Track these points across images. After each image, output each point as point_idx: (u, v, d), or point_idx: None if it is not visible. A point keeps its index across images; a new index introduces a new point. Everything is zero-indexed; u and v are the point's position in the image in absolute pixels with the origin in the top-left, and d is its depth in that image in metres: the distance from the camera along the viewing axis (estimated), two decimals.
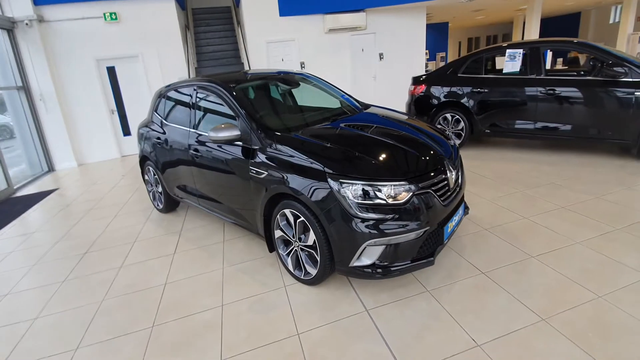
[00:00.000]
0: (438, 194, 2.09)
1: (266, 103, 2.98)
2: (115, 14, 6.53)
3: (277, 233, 2.42)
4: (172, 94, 3.45)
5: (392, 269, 2.01)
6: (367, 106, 3.18)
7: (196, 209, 3.81)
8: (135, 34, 6.80)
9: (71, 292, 2.69)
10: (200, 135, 2.95)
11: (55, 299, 2.63)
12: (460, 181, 2.38)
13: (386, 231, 1.92)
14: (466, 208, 2.62)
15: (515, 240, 2.67)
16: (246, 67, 7.73)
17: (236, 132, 2.40)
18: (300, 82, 3.27)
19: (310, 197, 2.03)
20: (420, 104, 5.33)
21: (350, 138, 2.42)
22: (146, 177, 4.11)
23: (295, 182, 2.11)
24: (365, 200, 1.93)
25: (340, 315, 2.09)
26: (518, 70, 4.43)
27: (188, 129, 3.10)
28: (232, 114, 2.64)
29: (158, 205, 4.05)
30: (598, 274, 2.20)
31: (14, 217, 4.58)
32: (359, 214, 1.92)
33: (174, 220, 3.83)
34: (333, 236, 2.01)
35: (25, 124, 6.57)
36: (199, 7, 9.32)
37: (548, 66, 11.10)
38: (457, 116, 4.94)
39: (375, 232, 1.91)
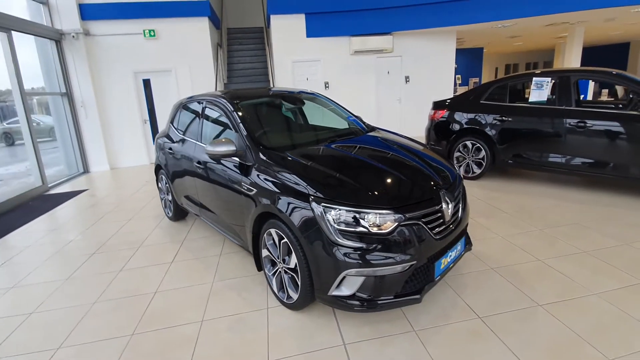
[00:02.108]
0: (430, 226, 1.96)
1: (268, 121, 3.00)
2: (154, 31, 7.03)
3: (264, 252, 2.38)
4: (186, 106, 3.59)
5: (373, 303, 1.88)
6: (373, 129, 3.11)
7: (202, 220, 3.87)
8: (170, 50, 7.26)
9: (71, 290, 2.78)
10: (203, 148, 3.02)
11: (55, 295, 2.73)
12: (459, 214, 2.22)
13: (367, 262, 1.81)
14: (468, 244, 2.44)
15: (523, 284, 2.43)
16: (270, 85, 7.96)
17: (232, 148, 2.42)
18: (305, 101, 3.29)
19: (293, 218, 1.98)
20: (440, 130, 5.17)
21: (342, 161, 2.36)
22: (159, 185, 4.26)
23: (280, 202, 2.07)
24: (347, 227, 1.84)
25: (316, 345, 1.97)
26: (545, 99, 4.19)
27: (195, 141, 3.19)
28: (232, 129, 2.68)
29: (168, 213, 4.16)
30: (612, 333, 1.93)
31: (41, 213, 4.89)
32: (339, 240, 1.83)
33: (181, 229, 3.91)
34: (313, 261, 1.93)
35: (65, 128, 7.12)
36: (235, 27, 9.84)
37: (590, 97, 10.50)
38: (478, 144, 4.72)
39: (355, 261, 1.81)
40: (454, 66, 8.92)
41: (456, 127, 4.94)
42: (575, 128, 3.93)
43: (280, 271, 2.27)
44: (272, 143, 2.58)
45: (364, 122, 3.25)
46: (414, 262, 1.87)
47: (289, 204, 2.02)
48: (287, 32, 7.76)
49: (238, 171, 2.49)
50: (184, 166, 3.34)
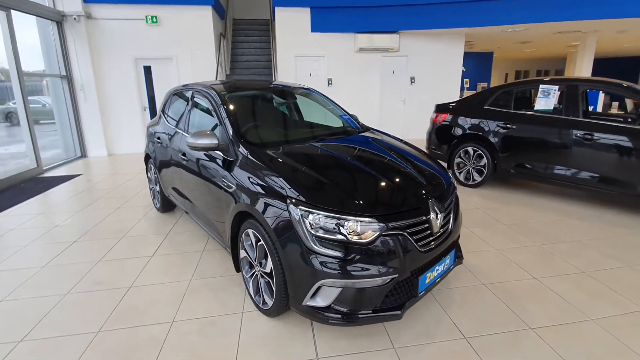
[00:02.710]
0: (415, 237, 1.82)
1: (255, 115, 2.86)
2: (156, 17, 6.89)
3: (242, 253, 2.25)
4: (177, 95, 3.47)
5: (350, 317, 1.75)
6: (367, 129, 2.97)
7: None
8: (172, 37, 7.13)
9: (45, 279, 2.68)
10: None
11: (27, 283, 2.63)
12: (450, 226, 2.08)
13: (345, 272, 1.67)
14: (459, 257, 2.30)
15: (515, 303, 2.29)
16: (272, 79, 7.82)
17: (214, 141, 2.29)
18: (298, 97, 3.15)
19: (269, 220, 1.85)
20: (441, 134, 5.01)
21: (326, 162, 2.23)
22: (149, 175, 4.15)
23: (258, 201, 1.94)
24: (325, 233, 1.71)
25: (287, 357, 1.85)
26: (551, 108, 4.01)
27: (181, 131, 3.07)
28: (217, 121, 2.55)
29: (156, 204, 4.05)
30: None
31: (31, 196, 4.80)
32: (315, 247, 1.70)
33: (167, 220, 3.80)
34: (287, 268, 1.80)
35: (64, 111, 7.03)
36: (241, 17, 9.68)
37: (600, 109, 10.26)
38: (480, 151, 4.56)
39: (332, 271, 1.68)
40: (462, 69, 8.72)
41: (458, 132, 4.78)
42: (581, 140, 3.75)
43: (257, 274, 2.15)
44: (256, 139, 2.45)
45: (358, 122, 3.11)
46: (396, 275, 1.74)
47: (265, 204, 1.89)
48: (291, 25, 7.60)
49: (220, 165, 2.36)
50: (170, 157, 3.22)
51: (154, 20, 6.88)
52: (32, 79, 6.70)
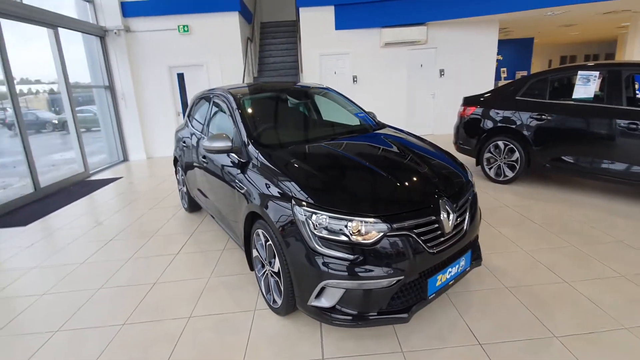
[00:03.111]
0: (424, 237, 1.75)
1: (269, 117, 2.91)
2: (187, 26, 7.23)
3: (254, 252, 2.31)
4: (199, 100, 3.62)
5: (355, 318, 1.73)
6: (383, 126, 2.90)
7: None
8: (202, 45, 7.44)
9: (83, 275, 2.93)
10: None
11: (67, 279, 2.89)
12: (465, 226, 1.98)
13: (349, 273, 1.66)
14: (477, 258, 2.18)
15: (540, 309, 2.13)
16: (298, 79, 7.88)
17: (228, 144, 2.37)
18: (315, 97, 3.15)
19: (275, 220, 1.87)
20: (469, 128, 4.77)
21: (333, 161, 2.21)
22: (177, 177, 4.37)
23: (265, 202, 1.98)
24: (328, 234, 1.70)
25: (294, 357, 1.87)
26: (591, 96, 3.66)
27: (202, 134, 3.20)
28: (232, 124, 2.62)
29: (184, 204, 4.26)
30: None
31: (77, 198, 5.26)
32: (318, 248, 1.69)
33: (194, 220, 3.98)
34: (292, 268, 1.81)
35: (108, 119, 7.62)
36: (269, 20, 9.87)
37: None
38: (512, 145, 4.28)
39: (335, 272, 1.67)
40: (497, 58, 8.22)
41: (488, 125, 4.52)
42: (625, 130, 3.39)
43: (267, 273, 2.19)
44: (267, 140, 2.49)
45: (375, 119, 3.05)
46: (402, 277, 1.69)
47: (271, 204, 1.92)
48: (315, 24, 7.61)
49: (234, 167, 2.44)
50: (194, 160, 3.37)
51: (186, 29, 7.23)
52: (82, 91, 7.33)
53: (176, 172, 4.38)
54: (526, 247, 2.88)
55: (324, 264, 1.69)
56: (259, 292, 2.46)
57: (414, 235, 1.73)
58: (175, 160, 4.21)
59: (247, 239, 2.38)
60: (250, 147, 2.34)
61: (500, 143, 4.39)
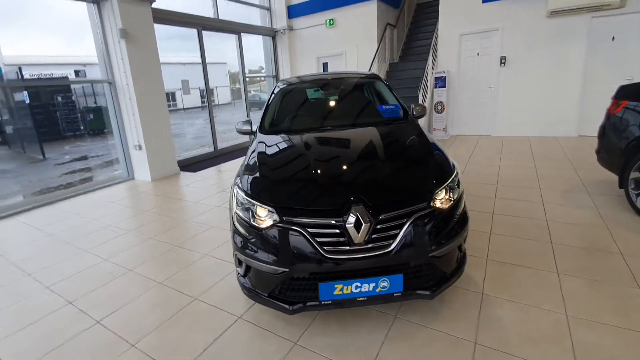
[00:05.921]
0: (319, 240, 1.74)
1: (290, 106, 3.15)
2: (333, 20, 8.02)
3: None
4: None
5: (250, 291, 1.95)
6: (410, 120, 2.78)
7: None
8: (343, 35, 8.10)
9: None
10: None
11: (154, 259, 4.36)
12: (396, 244, 1.73)
13: (244, 250, 1.88)
14: (423, 289, 1.83)
15: None
16: (429, 63, 7.28)
17: (248, 127, 2.97)
18: (349, 88, 3.23)
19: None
20: (617, 132, 3.34)
21: (288, 149, 2.38)
22: None
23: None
24: (241, 211, 1.96)
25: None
26: None
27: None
28: None
29: None
30: None
31: (207, 167, 6.73)
32: (236, 223, 1.99)
33: None
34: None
35: None
36: (423, 2, 9.39)
37: None
38: None
39: (238, 245, 1.93)
40: None
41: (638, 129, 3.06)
42: None
43: None
44: (269, 126, 2.87)
45: (405, 112, 2.86)
46: (286, 270, 1.76)
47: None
48: (457, 0, 6.73)
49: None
50: None
51: (331, 22, 8.08)
52: (255, 81, 9.63)
53: None
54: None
55: (234, 235, 1.98)
56: None
57: (305, 234, 1.74)
58: None
59: None
60: (258, 130, 2.84)
61: None
